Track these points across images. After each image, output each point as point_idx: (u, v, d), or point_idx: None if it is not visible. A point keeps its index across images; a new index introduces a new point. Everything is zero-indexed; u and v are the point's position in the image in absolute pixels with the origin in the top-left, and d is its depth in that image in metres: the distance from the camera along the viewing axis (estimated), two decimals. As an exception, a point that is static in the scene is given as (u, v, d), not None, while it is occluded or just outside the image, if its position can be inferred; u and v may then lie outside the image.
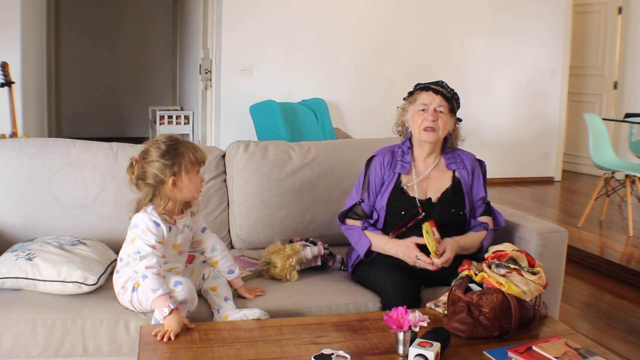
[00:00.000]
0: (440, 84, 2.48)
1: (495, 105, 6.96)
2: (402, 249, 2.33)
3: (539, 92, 7.09)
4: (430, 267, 2.28)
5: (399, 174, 2.47)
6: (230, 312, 2.09)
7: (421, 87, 2.47)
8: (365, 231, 2.43)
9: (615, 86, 7.22)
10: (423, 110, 2.43)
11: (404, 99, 2.55)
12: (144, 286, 1.97)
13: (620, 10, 7.12)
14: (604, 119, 5.46)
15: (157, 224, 2.03)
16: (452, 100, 2.45)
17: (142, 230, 2.02)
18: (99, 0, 9.41)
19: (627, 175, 5.09)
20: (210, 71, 6.45)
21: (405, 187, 2.45)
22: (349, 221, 2.51)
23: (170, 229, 2.07)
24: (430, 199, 2.45)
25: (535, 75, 7.04)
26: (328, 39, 6.29)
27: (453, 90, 2.49)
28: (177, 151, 2.04)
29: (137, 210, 2.08)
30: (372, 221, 2.47)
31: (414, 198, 2.44)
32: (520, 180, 7.12)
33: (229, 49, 6.03)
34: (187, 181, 2.04)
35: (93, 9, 9.40)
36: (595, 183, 5.60)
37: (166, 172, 2.02)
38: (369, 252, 2.41)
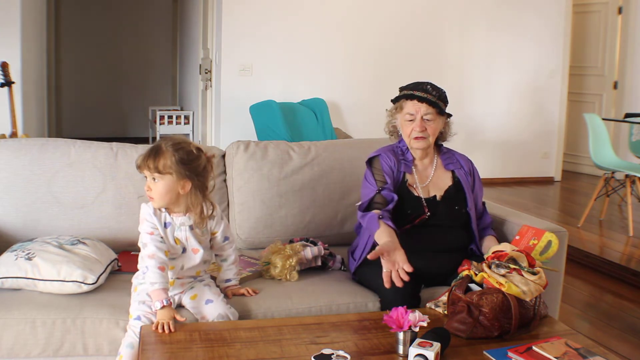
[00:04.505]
0: (424, 88, 2.41)
1: (495, 105, 6.95)
2: (384, 247, 2.13)
3: (539, 92, 7.09)
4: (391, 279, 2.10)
5: (404, 173, 2.47)
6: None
7: (405, 96, 2.42)
8: (380, 220, 2.27)
9: (615, 86, 7.22)
10: (410, 120, 2.41)
11: (392, 101, 2.52)
12: (145, 278, 2.02)
13: (620, 10, 7.12)
14: (604, 119, 5.46)
15: (151, 214, 2.08)
16: (437, 103, 2.41)
17: (140, 220, 2.09)
18: (99, 0, 9.41)
19: (627, 175, 5.09)
20: (210, 71, 6.45)
21: (410, 186, 2.45)
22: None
23: (165, 225, 2.09)
24: (435, 196, 2.45)
25: (535, 75, 7.04)
26: (328, 39, 6.29)
27: (439, 90, 2.44)
28: None
29: None
30: (390, 207, 2.35)
31: (420, 197, 2.44)
32: (520, 180, 7.11)
33: (229, 49, 6.03)
34: None
35: (93, 9, 9.40)
36: (595, 183, 5.59)
37: None
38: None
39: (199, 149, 2.10)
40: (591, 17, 7.50)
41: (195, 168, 2.06)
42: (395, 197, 2.38)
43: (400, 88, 2.51)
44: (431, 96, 2.40)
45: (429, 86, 2.43)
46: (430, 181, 2.49)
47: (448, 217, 2.43)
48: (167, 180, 2.03)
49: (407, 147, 2.51)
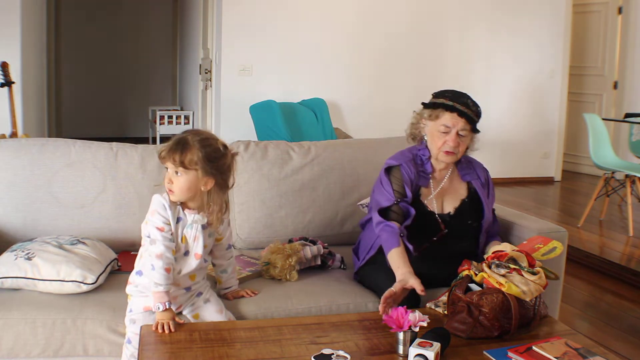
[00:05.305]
0: (465, 102, 2.29)
1: (496, 106, 6.95)
2: (399, 283, 2.12)
3: (539, 92, 7.09)
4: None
5: (419, 187, 2.38)
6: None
7: (445, 106, 2.29)
8: (401, 238, 2.24)
9: (615, 86, 7.22)
10: (445, 132, 2.29)
11: (423, 104, 2.40)
12: (149, 275, 1.96)
13: (620, 10, 7.13)
14: (604, 119, 5.47)
15: (165, 207, 1.99)
16: (475, 121, 2.30)
17: (151, 212, 1.99)
18: (99, 0, 9.41)
19: (627, 175, 5.09)
20: (210, 71, 6.45)
21: (424, 200, 2.38)
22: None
23: (177, 220, 2.01)
24: (448, 213, 2.39)
25: (535, 75, 7.05)
26: (328, 39, 6.29)
27: (477, 106, 2.33)
28: None
29: None
30: (408, 222, 2.30)
31: (433, 213, 2.37)
32: (520, 180, 7.12)
33: (229, 49, 6.03)
34: None
35: (93, 9, 9.40)
36: (595, 183, 5.60)
37: None
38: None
39: (225, 146, 2.02)
40: (591, 17, 7.50)
41: (220, 166, 1.99)
42: (413, 212, 2.29)
43: (435, 94, 2.37)
44: (471, 112, 2.29)
45: (469, 101, 2.31)
46: (445, 194, 2.41)
47: (459, 231, 2.37)
48: (190, 175, 1.96)
49: (428, 158, 2.40)
